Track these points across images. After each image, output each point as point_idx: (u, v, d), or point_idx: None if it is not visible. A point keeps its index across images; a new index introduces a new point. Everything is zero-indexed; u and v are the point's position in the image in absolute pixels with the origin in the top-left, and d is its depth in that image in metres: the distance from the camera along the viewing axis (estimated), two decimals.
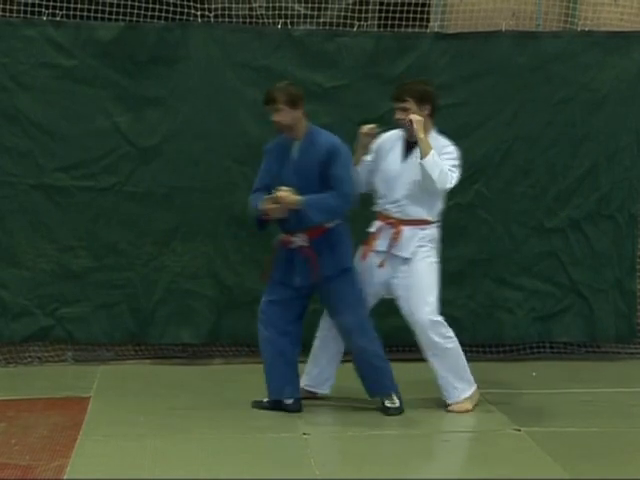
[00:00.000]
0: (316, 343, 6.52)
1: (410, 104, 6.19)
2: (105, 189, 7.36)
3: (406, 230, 6.24)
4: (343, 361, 7.53)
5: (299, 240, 6.13)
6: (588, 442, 5.81)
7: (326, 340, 6.45)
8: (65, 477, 5.06)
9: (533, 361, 7.66)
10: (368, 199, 6.45)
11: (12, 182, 7.29)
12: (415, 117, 6.13)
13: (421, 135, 6.10)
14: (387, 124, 7.32)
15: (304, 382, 6.44)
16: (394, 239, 6.23)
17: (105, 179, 7.36)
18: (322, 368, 6.48)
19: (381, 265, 6.27)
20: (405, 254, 6.25)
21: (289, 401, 6.17)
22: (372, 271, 6.32)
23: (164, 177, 7.38)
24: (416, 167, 6.12)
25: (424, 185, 6.11)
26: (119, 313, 7.42)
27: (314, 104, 7.40)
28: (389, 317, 7.57)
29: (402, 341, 7.65)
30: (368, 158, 6.41)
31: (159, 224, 7.42)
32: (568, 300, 7.76)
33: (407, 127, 6.18)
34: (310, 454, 5.45)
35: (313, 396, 6.45)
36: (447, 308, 7.34)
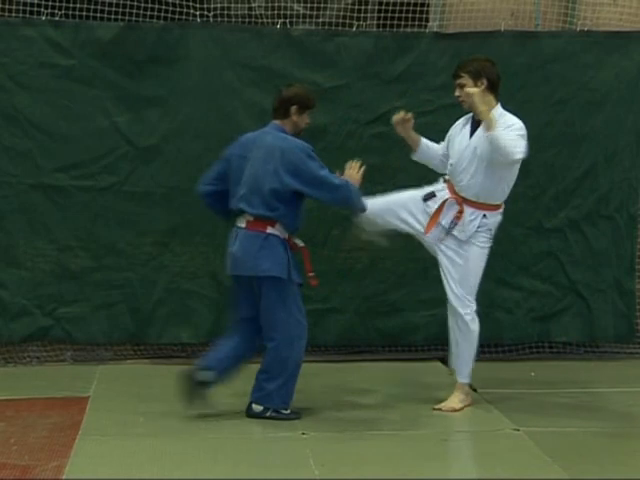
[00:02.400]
0: None
1: (465, 79, 6.16)
2: (104, 189, 7.37)
3: (468, 212, 6.22)
4: (340, 361, 7.57)
5: (299, 241, 6.16)
6: (587, 442, 5.80)
7: None
8: (64, 477, 5.06)
9: (532, 361, 7.67)
10: None
11: (11, 182, 7.29)
12: (471, 90, 6.08)
13: (482, 108, 6.03)
14: (387, 123, 7.35)
15: None
16: (457, 218, 6.22)
17: (104, 179, 7.36)
18: None
19: (441, 239, 6.28)
20: (462, 237, 6.24)
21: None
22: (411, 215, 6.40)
23: (163, 177, 7.39)
24: (483, 143, 6.08)
25: (494, 158, 6.05)
26: (118, 313, 7.43)
27: None
28: (389, 317, 7.61)
29: (402, 341, 7.68)
30: (442, 144, 6.48)
31: (158, 224, 7.42)
32: (567, 300, 7.76)
33: (464, 104, 6.17)
34: (309, 454, 5.44)
35: None
36: (446, 308, 7.36)
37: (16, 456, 5.37)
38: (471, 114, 6.28)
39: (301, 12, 7.56)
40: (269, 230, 5.95)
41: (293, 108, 6.02)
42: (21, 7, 7.22)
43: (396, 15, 7.53)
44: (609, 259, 7.76)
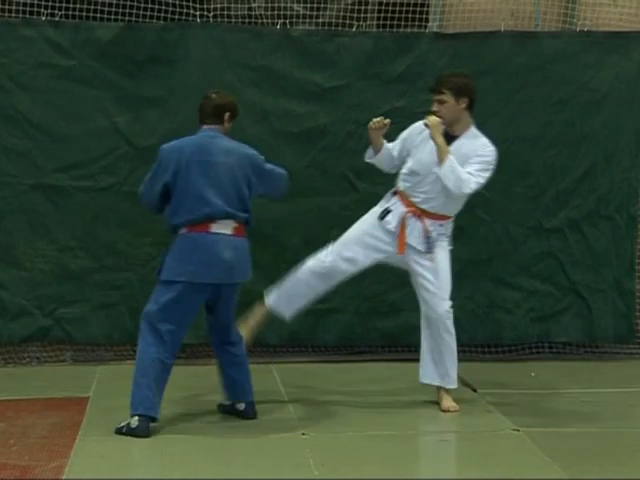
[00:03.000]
0: None
1: (447, 96, 6.12)
2: (104, 189, 7.36)
3: (427, 223, 6.22)
4: (340, 361, 7.56)
5: None
6: (587, 442, 5.80)
7: None
8: (64, 477, 5.05)
9: (532, 361, 7.66)
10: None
11: (11, 182, 7.28)
12: (433, 120, 6.11)
13: (438, 140, 6.06)
14: None
15: None
16: (425, 236, 6.22)
17: (104, 179, 7.36)
18: None
19: (401, 253, 6.29)
20: (422, 248, 6.24)
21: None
22: (378, 240, 6.34)
23: None
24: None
25: (444, 188, 6.11)
26: (118, 313, 7.42)
27: (313, 104, 7.44)
28: (389, 317, 7.61)
29: (402, 341, 7.67)
30: (394, 144, 6.43)
31: (158, 224, 7.37)
32: (567, 300, 7.76)
33: (442, 120, 6.15)
34: (309, 454, 5.44)
35: None
36: None
37: (16, 456, 5.36)
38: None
39: (301, 12, 7.56)
40: (246, 235, 6.00)
41: (227, 115, 6.02)
42: (21, 7, 7.21)
43: (396, 15, 7.53)
44: (609, 259, 7.76)
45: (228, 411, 6.12)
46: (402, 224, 6.26)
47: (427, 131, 6.23)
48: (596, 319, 7.76)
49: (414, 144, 6.31)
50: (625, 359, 7.84)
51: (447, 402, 6.33)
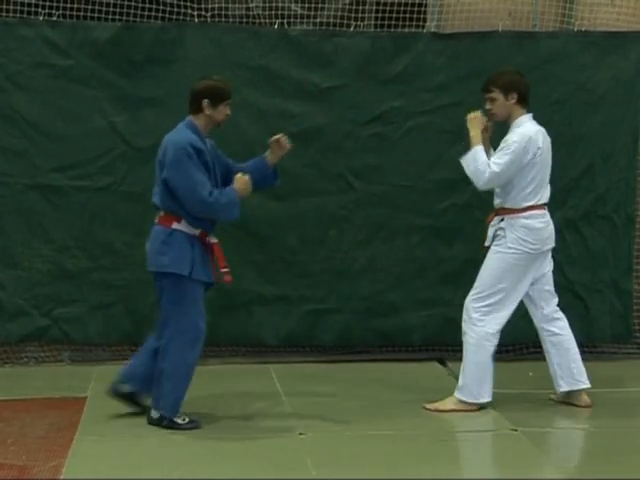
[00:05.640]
0: None
1: (496, 94, 6.25)
2: (101, 189, 7.36)
3: (494, 219, 6.37)
4: (337, 361, 7.56)
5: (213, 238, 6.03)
6: (584, 442, 5.82)
7: None
8: (62, 477, 5.05)
9: (530, 361, 7.65)
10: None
11: (8, 182, 7.28)
12: (472, 114, 6.28)
13: (471, 132, 6.25)
14: (385, 123, 7.37)
15: None
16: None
17: (101, 179, 7.36)
18: None
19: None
20: (486, 242, 6.39)
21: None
22: None
23: None
24: None
25: None
26: (115, 313, 7.42)
27: (310, 104, 7.44)
28: (387, 317, 7.61)
29: (400, 341, 7.67)
30: None
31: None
32: (564, 300, 7.70)
33: (495, 117, 6.30)
34: (307, 454, 5.44)
35: None
36: (444, 308, 7.38)
37: (14, 456, 5.36)
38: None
39: (299, 12, 7.56)
40: (174, 226, 5.81)
41: (205, 102, 5.86)
42: (18, 7, 7.20)
43: (394, 15, 7.53)
44: (606, 259, 7.76)
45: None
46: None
47: None
48: (594, 319, 7.76)
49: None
50: (622, 359, 7.85)
51: (437, 403, 6.33)
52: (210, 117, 5.91)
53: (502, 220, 6.30)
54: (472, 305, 6.28)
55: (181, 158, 5.73)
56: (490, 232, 6.36)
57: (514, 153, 6.18)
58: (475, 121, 6.29)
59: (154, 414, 5.89)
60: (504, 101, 6.26)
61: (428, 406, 6.31)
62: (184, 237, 5.82)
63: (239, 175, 5.91)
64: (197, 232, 5.86)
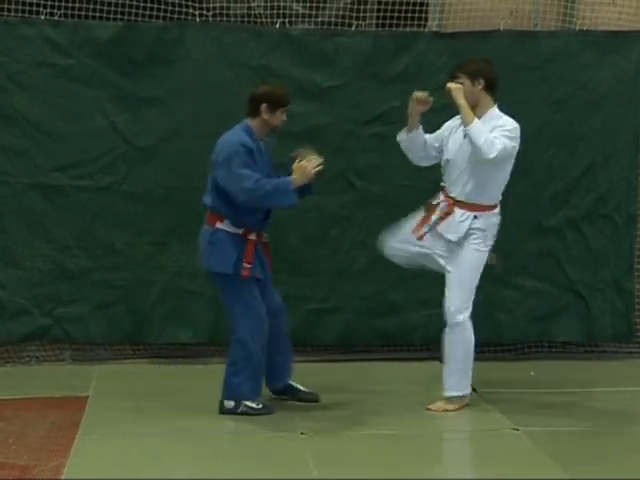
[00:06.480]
0: None
1: (463, 79, 6.17)
2: (102, 189, 7.36)
3: (459, 213, 6.21)
4: (338, 360, 7.56)
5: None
6: (586, 442, 5.80)
7: None
8: (63, 477, 5.05)
9: (531, 360, 7.66)
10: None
11: (9, 182, 7.29)
12: (453, 85, 6.15)
13: (460, 101, 6.10)
14: (386, 123, 7.36)
15: None
16: (442, 218, 6.23)
17: (102, 179, 7.36)
18: None
19: (420, 238, 6.30)
20: (453, 238, 6.23)
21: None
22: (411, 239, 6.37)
23: (161, 177, 7.38)
24: (470, 143, 6.11)
25: (473, 155, 6.09)
26: (117, 313, 7.42)
27: (312, 103, 7.43)
28: (388, 317, 7.61)
29: (400, 341, 7.67)
30: (438, 132, 6.41)
31: (156, 224, 7.41)
32: (566, 300, 7.76)
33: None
34: (308, 454, 5.44)
35: None
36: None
37: (15, 456, 5.36)
38: None
39: (300, 12, 7.56)
40: (218, 225, 6.04)
41: (263, 106, 6.01)
42: (20, 6, 7.21)
43: (395, 15, 7.52)
44: (608, 259, 7.76)
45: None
46: (434, 209, 6.29)
47: (457, 121, 6.27)
48: (595, 318, 7.76)
49: (449, 132, 6.35)
50: (624, 358, 7.84)
51: (438, 403, 6.33)
52: (267, 122, 6.06)
53: (476, 217, 6.22)
54: (458, 308, 6.25)
55: (231, 157, 5.93)
56: (462, 229, 6.22)
57: (516, 140, 6.15)
58: (460, 90, 6.13)
59: (228, 404, 6.09)
60: (471, 87, 6.16)
61: (433, 407, 6.30)
62: (227, 236, 6.03)
63: (296, 163, 6.01)
64: (240, 231, 6.04)
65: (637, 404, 6.63)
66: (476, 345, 7.65)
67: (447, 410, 6.27)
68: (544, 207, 7.68)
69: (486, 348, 7.71)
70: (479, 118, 6.15)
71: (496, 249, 7.59)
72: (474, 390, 6.74)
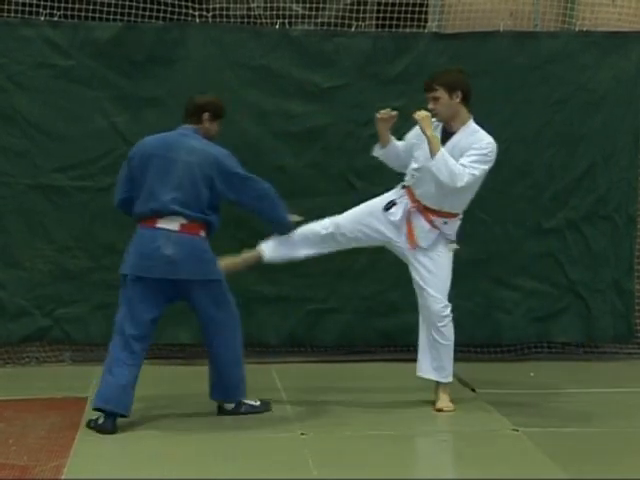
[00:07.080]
0: None
1: (440, 92, 6.10)
2: (102, 189, 7.34)
3: (431, 219, 6.21)
4: (338, 361, 7.57)
5: None
6: (586, 442, 5.80)
7: None
8: (63, 477, 5.05)
9: (531, 361, 7.67)
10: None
11: (9, 182, 7.29)
12: (420, 113, 6.08)
13: (427, 132, 6.03)
14: None
15: None
16: (427, 233, 6.23)
17: (102, 179, 7.35)
18: None
19: (411, 249, 6.29)
20: (424, 244, 6.23)
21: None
22: (381, 224, 6.35)
23: None
24: (451, 155, 6.06)
25: (438, 182, 6.07)
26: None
27: (312, 104, 7.44)
28: (388, 317, 7.61)
29: (401, 341, 7.67)
30: (408, 138, 6.40)
31: None
32: (566, 300, 7.76)
33: (437, 116, 6.14)
34: (308, 454, 5.43)
35: None
36: None
37: (15, 456, 5.36)
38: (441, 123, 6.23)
39: (300, 12, 7.56)
40: (202, 234, 5.97)
41: (205, 115, 6.08)
42: (19, 7, 7.21)
43: (395, 15, 7.53)
44: (608, 259, 7.76)
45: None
46: (408, 219, 6.25)
47: (433, 127, 6.22)
48: (595, 319, 7.76)
49: (416, 142, 6.29)
50: (624, 359, 7.85)
51: (442, 402, 6.32)
52: (207, 130, 6.11)
53: (446, 223, 6.23)
54: (445, 303, 6.27)
55: (236, 165, 6.03)
56: (432, 235, 6.22)
57: (491, 161, 6.12)
58: (427, 120, 6.06)
59: (228, 406, 6.13)
60: (448, 100, 6.10)
61: (443, 407, 6.31)
62: (208, 244, 6.03)
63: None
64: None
65: (637, 405, 6.62)
66: (476, 346, 7.71)
67: (451, 402, 6.31)
68: (544, 208, 7.68)
69: (486, 349, 7.73)
70: (456, 131, 6.14)
71: (496, 249, 7.66)
72: (473, 390, 6.75)
